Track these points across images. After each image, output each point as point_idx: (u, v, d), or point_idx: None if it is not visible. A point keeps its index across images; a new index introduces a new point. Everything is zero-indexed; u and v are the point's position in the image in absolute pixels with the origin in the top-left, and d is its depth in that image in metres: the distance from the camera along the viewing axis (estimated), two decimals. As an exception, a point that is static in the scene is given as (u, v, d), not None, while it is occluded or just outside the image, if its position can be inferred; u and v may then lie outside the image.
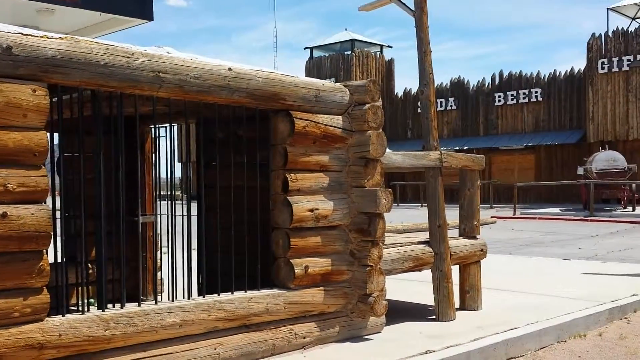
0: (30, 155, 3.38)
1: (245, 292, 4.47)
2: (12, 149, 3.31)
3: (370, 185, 4.94)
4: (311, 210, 4.70)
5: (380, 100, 5.06)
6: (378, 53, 38.30)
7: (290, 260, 4.62)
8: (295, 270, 4.60)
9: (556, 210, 26.25)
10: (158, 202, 6.76)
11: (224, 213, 4.63)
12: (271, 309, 4.46)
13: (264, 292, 4.50)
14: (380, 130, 5.01)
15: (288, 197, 4.61)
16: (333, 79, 36.41)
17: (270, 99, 4.49)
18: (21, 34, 3.36)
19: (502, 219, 22.35)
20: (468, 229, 6.23)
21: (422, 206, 28.71)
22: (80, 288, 3.99)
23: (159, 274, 6.54)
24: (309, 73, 37.14)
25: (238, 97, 4.31)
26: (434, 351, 4.66)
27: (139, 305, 3.94)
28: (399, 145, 32.85)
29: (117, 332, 3.72)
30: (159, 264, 6.70)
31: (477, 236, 6.29)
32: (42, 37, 3.44)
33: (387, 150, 5.20)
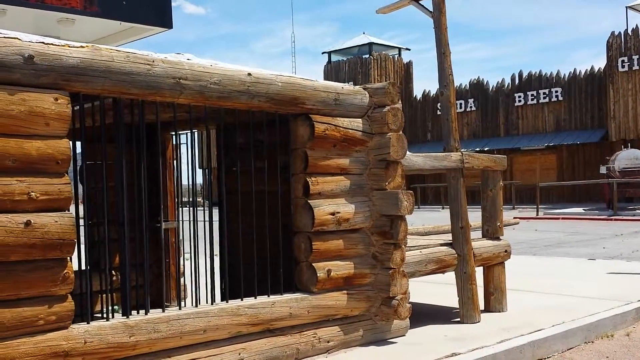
0: (53, 163, 3.41)
1: (269, 296, 4.46)
2: (35, 157, 3.34)
3: (391, 188, 4.91)
4: (332, 214, 4.68)
5: (400, 102, 5.04)
6: (396, 56, 38.27)
7: (313, 264, 4.60)
8: (318, 274, 4.59)
9: (579, 210, 26.00)
10: (180, 208, 6.82)
11: (246, 218, 4.64)
12: (294, 313, 4.45)
13: (287, 296, 4.49)
14: (401, 132, 4.99)
15: (309, 201, 4.60)
16: (351, 83, 36.54)
17: (289, 103, 4.49)
18: (43, 43, 3.39)
19: (525, 219, 22.17)
20: (491, 230, 6.18)
21: (443, 208, 28.60)
22: (104, 295, 3.99)
23: (182, 279, 6.58)
24: (327, 77, 37.18)
25: (258, 101, 4.31)
26: (459, 354, 4.62)
27: (163, 311, 3.96)
28: (418, 148, 32.76)
29: (142, 338, 3.73)
30: (182, 269, 6.75)
31: (501, 237, 6.23)
32: (64, 46, 3.46)
33: (408, 152, 5.17)
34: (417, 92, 37.67)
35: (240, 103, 4.24)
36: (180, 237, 6.34)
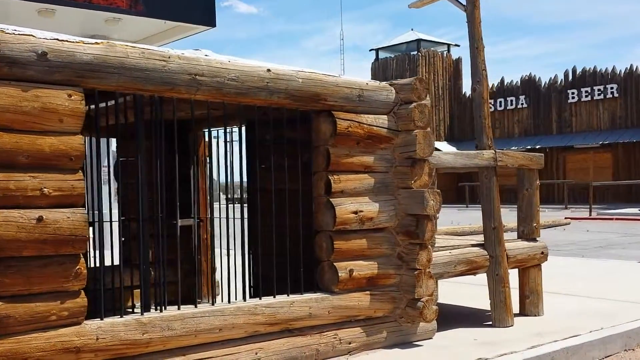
0: (67, 159, 3.41)
1: (288, 295, 4.40)
2: (48, 153, 3.35)
3: (417, 186, 4.79)
4: (355, 213, 4.59)
5: (428, 98, 4.91)
6: (445, 52, 37.78)
7: (334, 264, 4.52)
8: (340, 274, 4.50)
9: (635, 210, 25.15)
10: (213, 205, 6.83)
11: (270, 216, 4.58)
12: (314, 313, 4.37)
13: (307, 296, 4.42)
14: (428, 129, 4.86)
15: (331, 199, 4.52)
16: (400, 80, 36.19)
17: (311, 100, 4.41)
18: (57, 39, 3.39)
19: (577, 220, 21.60)
20: (527, 231, 5.98)
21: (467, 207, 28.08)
22: (120, 291, 4.00)
23: (214, 276, 6.57)
24: (374, 75, 36.99)
25: (277, 98, 4.25)
26: (486, 359, 4.47)
27: (195, 307, 3.96)
28: (467, 146, 32.25)
29: (156, 335, 3.71)
30: (215, 266, 6.75)
31: (538, 238, 6.02)
32: (78, 42, 3.47)
33: (440, 151, 5.04)
34: (467, 89, 37.10)
35: (259, 99, 4.19)
36: (213, 234, 6.38)
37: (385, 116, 4.81)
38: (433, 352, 4.67)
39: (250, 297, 4.75)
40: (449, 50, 38.08)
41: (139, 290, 5.12)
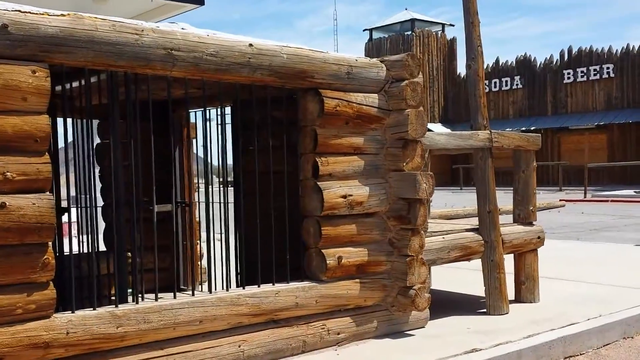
0: (32, 141, 3.16)
1: (273, 285, 4.18)
2: (10, 134, 3.10)
3: (409, 169, 4.55)
4: (344, 197, 4.36)
5: (420, 76, 4.66)
6: (440, 32, 37.39)
7: (322, 251, 4.30)
8: (328, 261, 4.28)
9: (630, 192, 25.02)
10: (197, 189, 6.58)
11: (257, 200, 4.35)
12: (301, 303, 4.16)
13: (293, 285, 4.20)
14: (420, 108, 4.62)
15: (318, 183, 4.29)
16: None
17: (297, 77, 4.16)
18: (19, 11, 3.13)
19: (572, 202, 21.46)
20: (523, 215, 5.77)
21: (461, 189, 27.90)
22: (95, 281, 3.76)
23: (200, 263, 6.36)
24: (368, 55, 36.60)
25: (261, 75, 4.00)
26: (480, 350, 4.27)
27: (174, 297, 3.73)
28: (462, 127, 32.03)
29: (131, 329, 3.49)
30: (200, 253, 6.53)
31: (534, 222, 5.81)
32: (43, 14, 3.20)
33: (432, 131, 4.81)
34: (462, 70, 36.78)
35: (241, 77, 3.94)
36: (198, 220, 6.14)
37: (376, 95, 4.57)
38: (424, 341, 4.47)
39: (238, 285, 4.55)
40: (443, 30, 37.68)
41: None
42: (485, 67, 34.95)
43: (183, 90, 4.19)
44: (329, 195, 4.29)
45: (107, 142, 5.57)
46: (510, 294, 5.76)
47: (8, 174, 3.08)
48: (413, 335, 4.64)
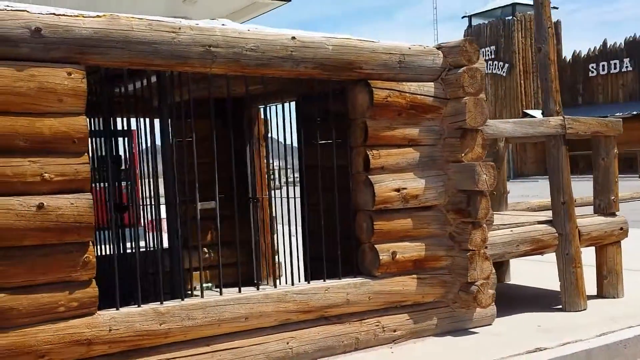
0: (69, 142, 3.22)
1: (324, 281, 4.10)
2: (48, 136, 3.17)
3: (468, 159, 4.33)
4: (397, 190, 4.21)
5: (480, 61, 4.43)
6: (542, 15, 35.82)
7: (375, 246, 4.17)
8: (381, 257, 4.15)
9: None
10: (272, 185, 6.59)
11: (316, 195, 4.30)
12: (352, 299, 4.05)
13: (344, 281, 4.10)
14: (481, 96, 4.38)
15: (370, 176, 4.15)
16: (493, 47, 34.72)
17: (344, 69, 4.04)
18: (53, 14, 3.19)
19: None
20: (604, 205, 5.38)
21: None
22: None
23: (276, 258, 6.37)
24: (467, 42, 35.64)
25: (305, 68, 3.91)
26: (545, 349, 4.01)
27: (220, 294, 3.77)
28: (567, 113, 30.53)
29: (175, 326, 3.51)
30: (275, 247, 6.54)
31: (617, 213, 5.42)
32: (77, 16, 3.26)
33: (495, 119, 4.56)
34: (567, 53, 35.14)
35: (283, 70, 3.87)
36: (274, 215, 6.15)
37: (432, 83, 4.38)
38: (486, 340, 4.24)
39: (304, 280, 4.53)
40: (546, 13, 36.08)
41: (197, 272, 5.05)
42: (592, 49, 33.39)
43: (248, 86, 4.21)
44: (381, 189, 4.15)
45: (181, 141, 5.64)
46: (592, 288, 5.42)
47: (46, 174, 3.15)
48: (477, 333, 4.42)
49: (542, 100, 5.16)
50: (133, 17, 3.42)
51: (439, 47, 4.48)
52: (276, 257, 6.35)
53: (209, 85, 3.86)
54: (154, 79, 4.23)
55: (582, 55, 34.02)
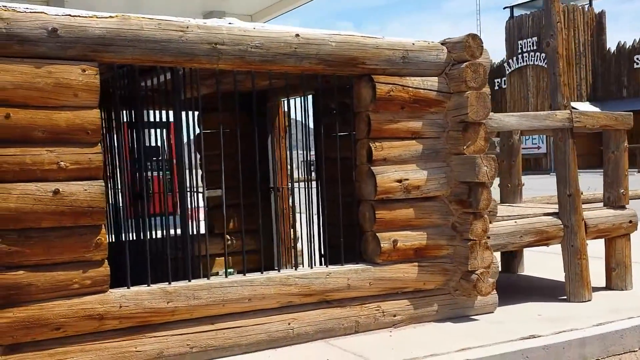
0: (83, 133, 3.50)
1: (327, 266, 4.31)
2: (64, 128, 3.45)
3: (470, 152, 4.48)
4: (399, 181, 4.38)
5: (483, 56, 4.56)
6: (587, 6, 35.18)
7: (377, 234, 4.35)
8: (382, 245, 4.33)
9: None
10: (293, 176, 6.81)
11: (333, 185, 4.53)
12: (353, 284, 4.25)
13: (346, 267, 4.30)
14: (484, 90, 4.51)
15: (372, 168, 4.34)
16: (535, 38, 34.23)
17: (347, 64, 4.23)
18: (69, 15, 3.46)
19: None
20: (613, 198, 5.45)
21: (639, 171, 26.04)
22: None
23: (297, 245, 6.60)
24: (508, 34, 35.29)
25: (309, 64, 4.11)
26: (539, 336, 4.14)
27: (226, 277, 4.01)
28: (612, 105, 30.06)
29: (181, 304, 3.76)
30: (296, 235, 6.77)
31: (626, 206, 5.48)
32: (91, 17, 3.52)
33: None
34: (611, 45, 34.45)
35: (288, 66, 4.08)
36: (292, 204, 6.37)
37: (436, 78, 4.53)
38: (485, 327, 4.40)
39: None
40: (590, 4, 35.36)
41: (221, 258, 5.32)
42: (632, 42, 32.63)
43: (267, 81, 4.45)
44: (383, 179, 4.33)
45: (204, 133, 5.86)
46: (601, 281, 5.51)
47: (62, 163, 3.43)
48: (477, 320, 4.58)
49: (550, 93, 5.24)
50: (143, 17, 3.67)
51: (443, 43, 4.62)
52: (297, 244, 6.59)
53: (234, 80, 4.10)
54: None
55: (627, 47, 33.33)
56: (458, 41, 4.55)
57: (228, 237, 5.93)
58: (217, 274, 5.15)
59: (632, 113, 5.56)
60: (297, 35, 4.05)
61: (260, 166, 5.92)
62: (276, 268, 6.17)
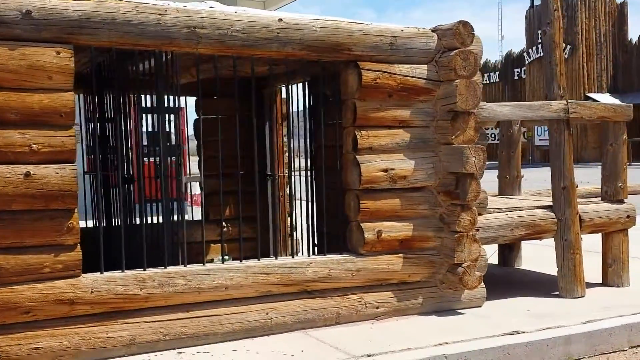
0: (57, 116, 3.45)
1: (309, 256, 4.24)
2: (37, 110, 3.41)
3: (459, 142, 4.37)
4: (385, 171, 4.30)
5: (473, 44, 4.44)
6: (609, -4, 34.62)
7: (361, 224, 4.28)
8: (366, 235, 4.26)
9: None
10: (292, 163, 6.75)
11: (327, 173, 4.48)
12: (335, 275, 4.18)
13: (328, 257, 4.23)
14: (474, 79, 4.40)
15: (357, 156, 4.26)
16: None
17: (333, 50, 4.14)
18: (43, -3, 3.41)
19: None
20: (611, 192, 5.32)
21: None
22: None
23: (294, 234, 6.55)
24: (529, 23, 34.82)
25: (292, 49, 4.03)
26: (522, 332, 4.05)
27: (203, 264, 3.95)
28: (634, 96, 29.63)
29: (155, 291, 3.72)
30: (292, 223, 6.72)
31: (624, 200, 5.35)
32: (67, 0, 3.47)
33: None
34: (633, 36, 33.85)
35: (271, 52, 4.00)
36: (288, 192, 6.32)
37: (425, 66, 4.43)
38: (470, 320, 4.31)
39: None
40: (613, -6, 34.84)
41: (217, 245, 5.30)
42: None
43: (267, 67, 4.39)
44: (368, 168, 4.25)
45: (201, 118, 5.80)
46: (598, 276, 5.40)
47: (34, 145, 3.40)
48: (462, 314, 4.49)
49: (546, 83, 5.12)
50: (120, 1, 3.61)
51: (434, 30, 4.52)
52: (294, 233, 6.54)
53: (215, 66, 4.04)
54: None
55: (650, 38, 32.79)
56: (448, 28, 4.44)
57: (224, 224, 5.91)
58: (212, 260, 5.12)
59: (631, 105, 5.41)
60: (280, 20, 3.97)
61: (257, 154, 5.90)
62: (272, 256, 6.13)
